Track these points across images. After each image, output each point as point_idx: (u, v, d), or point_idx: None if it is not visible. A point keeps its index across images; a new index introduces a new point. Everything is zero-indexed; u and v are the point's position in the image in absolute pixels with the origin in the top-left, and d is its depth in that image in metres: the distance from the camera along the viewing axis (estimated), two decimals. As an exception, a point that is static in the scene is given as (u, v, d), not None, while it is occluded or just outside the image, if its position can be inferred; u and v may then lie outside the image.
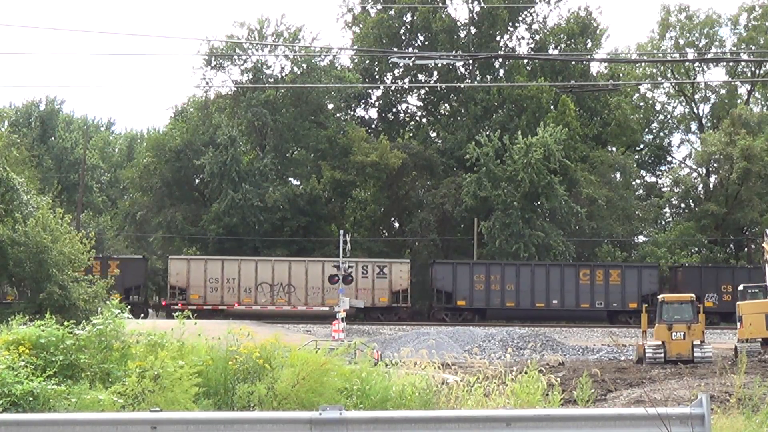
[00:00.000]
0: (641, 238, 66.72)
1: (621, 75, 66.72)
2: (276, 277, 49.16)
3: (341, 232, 44.88)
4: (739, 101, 69.76)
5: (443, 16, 63.61)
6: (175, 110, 66.10)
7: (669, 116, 74.96)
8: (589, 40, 65.80)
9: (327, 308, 47.63)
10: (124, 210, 65.08)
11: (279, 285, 49.07)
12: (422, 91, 67.95)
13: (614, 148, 68.24)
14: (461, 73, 64.91)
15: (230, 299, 48.82)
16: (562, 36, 65.57)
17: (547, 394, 12.44)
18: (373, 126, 67.93)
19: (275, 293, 49.05)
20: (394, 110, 69.17)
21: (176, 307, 45.52)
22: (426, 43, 64.00)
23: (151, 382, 10.03)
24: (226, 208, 56.09)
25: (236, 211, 56.11)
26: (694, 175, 66.89)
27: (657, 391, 18.75)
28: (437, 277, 49.86)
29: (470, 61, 59.80)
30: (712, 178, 63.81)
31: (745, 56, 67.64)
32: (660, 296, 32.90)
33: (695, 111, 73.01)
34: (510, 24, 65.22)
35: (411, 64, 52.02)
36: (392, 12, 64.61)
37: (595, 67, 67.93)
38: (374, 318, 48.71)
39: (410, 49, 61.77)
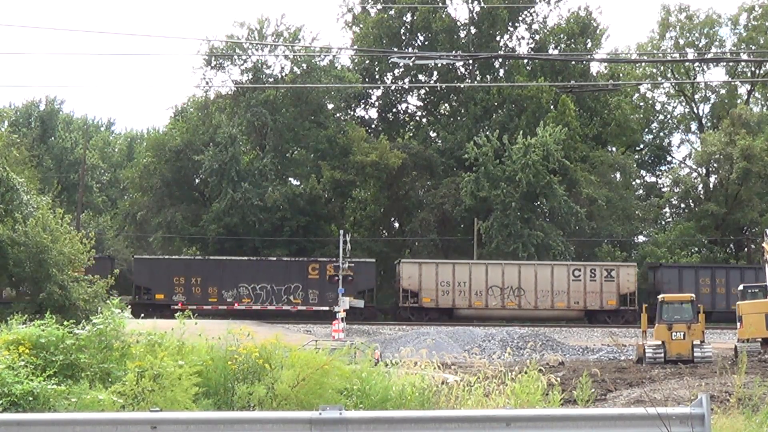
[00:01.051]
0: (641, 238, 66.75)
1: (621, 75, 66.72)
2: (506, 281, 49.75)
3: (341, 232, 44.89)
4: (739, 101, 69.78)
5: (443, 16, 63.60)
6: (175, 110, 66.13)
7: (669, 116, 75.01)
8: (589, 40, 65.79)
9: (557, 311, 49.30)
10: (124, 210, 65.07)
11: (509, 288, 49.65)
12: (422, 91, 67.94)
13: (614, 148, 68.26)
14: (461, 73, 64.92)
15: (461, 302, 49.42)
16: (562, 36, 65.58)
17: (547, 394, 12.44)
18: (373, 126, 67.94)
19: (505, 296, 49.58)
20: (394, 110, 69.17)
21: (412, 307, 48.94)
22: (426, 43, 64.00)
23: (151, 381, 10.03)
24: (226, 208, 56.09)
25: (236, 210, 56.11)
26: (694, 175, 66.90)
27: (657, 391, 18.75)
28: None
29: (470, 61, 59.81)
30: (712, 178, 63.82)
31: (745, 56, 67.67)
32: (660, 296, 32.90)
33: (695, 111, 73.04)
34: (510, 24, 65.22)
35: (411, 64, 51.91)
36: (392, 12, 64.61)
37: (595, 67, 68.02)
38: (601, 321, 49.21)
39: (410, 49, 61.76)
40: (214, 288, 49.70)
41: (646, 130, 73.13)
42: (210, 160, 56.26)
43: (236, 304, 49.15)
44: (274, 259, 52.44)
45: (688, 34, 70.59)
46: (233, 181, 56.47)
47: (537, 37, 65.91)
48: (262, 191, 56.82)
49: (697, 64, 67.95)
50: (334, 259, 47.91)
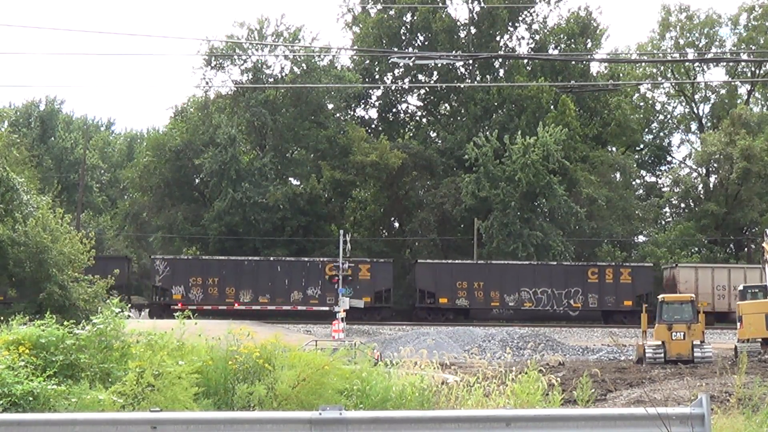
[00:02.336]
0: (641, 238, 66.76)
1: (621, 75, 66.73)
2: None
3: (341, 232, 44.89)
4: (739, 101, 69.81)
5: (443, 16, 63.59)
6: (175, 110, 66.11)
7: (669, 116, 75.04)
8: (589, 40, 65.78)
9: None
10: (124, 210, 65.06)
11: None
12: (422, 91, 67.93)
13: (614, 148, 68.26)
14: (461, 73, 64.90)
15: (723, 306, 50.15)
16: (562, 36, 65.56)
17: (547, 394, 12.44)
18: (373, 126, 67.93)
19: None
20: (394, 110, 69.16)
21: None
22: (426, 43, 64.00)
23: (151, 379, 10.03)
24: (227, 207, 56.11)
25: (237, 210, 56.14)
26: (694, 175, 66.92)
27: (657, 391, 18.75)
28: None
29: (470, 61, 59.80)
30: (712, 178, 63.82)
31: (745, 56, 67.68)
32: (660, 296, 32.91)
33: (695, 111, 73.06)
34: (510, 24, 65.21)
35: (411, 64, 51.92)
36: (392, 12, 64.60)
37: (595, 67, 68.00)
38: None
39: (410, 49, 61.76)
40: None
41: (646, 130, 73.14)
42: (210, 161, 56.26)
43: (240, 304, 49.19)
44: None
45: (688, 34, 70.60)
46: (233, 181, 56.48)
47: (537, 37, 65.90)
48: (262, 190, 56.84)
49: (697, 64, 68.00)
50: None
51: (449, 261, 53.07)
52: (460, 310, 50.06)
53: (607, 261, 54.52)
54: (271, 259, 51.94)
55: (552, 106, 60.95)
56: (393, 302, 51.20)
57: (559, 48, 65.38)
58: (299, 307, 49.63)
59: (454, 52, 56.69)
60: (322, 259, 51.40)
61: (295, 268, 50.30)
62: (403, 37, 64.94)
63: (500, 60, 64.03)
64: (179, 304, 45.30)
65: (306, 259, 51.99)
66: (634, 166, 66.87)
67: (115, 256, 56.86)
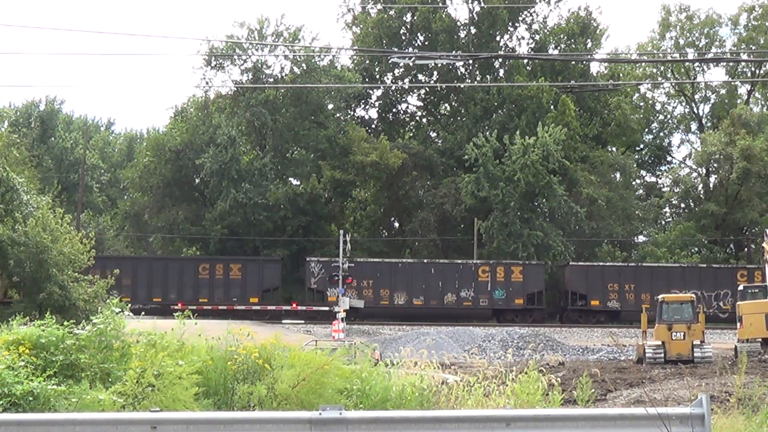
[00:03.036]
0: (641, 238, 66.76)
1: (621, 75, 66.73)
2: None
3: (341, 232, 44.89)
4: (739, 101, 69.80)
5: (443, 16, 63.59)
6: (175, 110, 66.13)
7: (669, 116, 75.05)
8: (589, 40, 65.77)
9: None
10: (124, 210, 65.08)
11: None
12: (422, 91, 67.93)
13: (614, 148, 68.25)
14: (461, 73, 64.91)
15: None
16: (562, 36, 65.56)
17: (547, 394, 12.44)
18: (373, 126, 67.93)
19: None
20: (394, 110, 69.17)
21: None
22: (426, 43, 63.99)
23: (152, 378, 10.03)
24: (229, 207, 56.15)
25: (238, 210, 56.17)
26: (694, 175, 66.92)
27: (657, 391, 18.75)
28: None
29: (470, 61, 59.80)
30: (712, 178, 63.82)
31: (745, 56, 67.69)
32: (660, 296, 32.90)
33: (695, 111, 73.06)
34: (510, 24, 65.21)
35: (411, 64, 51.90)
36: (392, 12, 64.59)
37: (595, 67, 68.02)
38: None
39: (410, 49, 61.73)
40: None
41: (646, 130, 73.14)
42: (210, 162, 56.26)
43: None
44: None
45: (688, 34, 70.60)
46: (234, 181, 56.51)
47: (537, 37, 65.90)
48: (262, 190, 56.87)
49: (697, 64, 68.00)
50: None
51: (600, 263, 53.25)
52: (611, 312, 50.37)
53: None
54: (425, 261, 52.21)
55: (552, 106, 60.95)
56: (545, 304, 51.82)
57: (559, 48, 65.38)
58: (452, 308, 49.91)
59: (454, 52, 56.68)
60: (475, 261, 52.06)
61: (448, 270, 50.50)
62: (403, 37, 64.94)
63: (500, 60, 64.03)
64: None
65: (459, 261, 52.21)
66: (634, 166, 66.86)
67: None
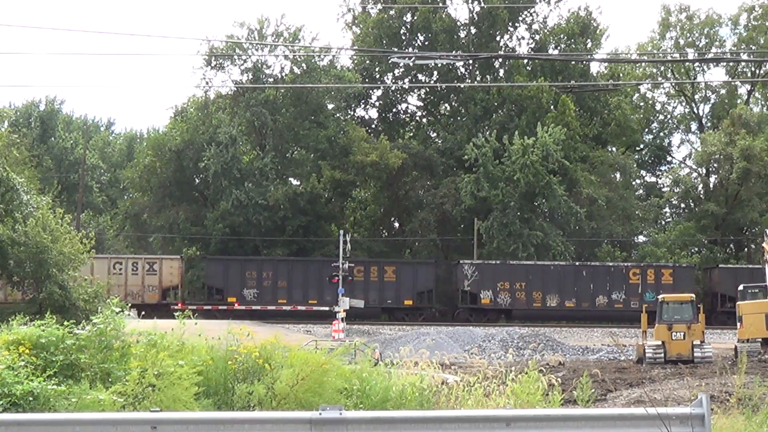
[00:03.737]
0: (641, 238, 66.76)
1: (621, 75, 66.72)
2: None
3: (341, 232, 44.89)
4: (739, 101, 69.80)
5: (443, 16, 63.58)
6: (175, 110, 66.12)
7: (669, 116, 75.04)
8: (589, 40, 65.75)
9: None
10: (124, 210, 65.08)
11: None
12: (422, 91, 67.92)
13: (614, 148, 68.24)
14: (461, 73, 64.90)
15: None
16: (562, 36, 65.53)
17: (547, 394, 12.45)
18: (373, 126, 67.91)
19: None
20: (394, 110, 69.15)
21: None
22: (426, 43, 63.98)
23: (153, 378, 10.03)
24: (231, 208, 56.19)
25: (239, 210, 56.22)
26: (694, 175, 66.92)
27: (657, 391, 18.75)
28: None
29: (470, 61, 59.78)
30: (712, 178, 63.82)
31: (745, 56, 67.67)
32: (660, 296, 32.91)
33: (695, 111, 73.06)
34: (510, 24, 65.18)
35: (411, 64, 51.94)
36: (392, 12, 64.57)
37: (595, 67, 67.98)
38: None
39: (410, 49, 61.72)
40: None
41: (646, 130, 73.13)
42: (213, 162, 56.26)
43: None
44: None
45: (688, 34, 70.60)
46: (236, 179, 56.54)
47: (537, 37, 65.88)
48: (263, 190, 56.89)
49: (697, 64, 67.99)
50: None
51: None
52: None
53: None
54: (577, 264, 52.34)
55: (552, 106, 60.94)
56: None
57: (559, 48, 65.37)
58: (605, 311, 50.03)
59: (454, 52, 56.64)
60: (626, 264, 52.24)
61: (599, 272, 50.60)
62: (403, 37, 64.93)
63: (500, 60, 63.98)
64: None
65: (611, 264, 52.25)
66: (634, 166, 66.84)
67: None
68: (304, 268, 50.57)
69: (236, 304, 48.54)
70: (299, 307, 49.60)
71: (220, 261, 51.53)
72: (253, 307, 48.51)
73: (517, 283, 49.87)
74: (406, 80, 66.52)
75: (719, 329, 46.20)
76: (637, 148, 72.30)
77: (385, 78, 66.59)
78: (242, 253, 54.82)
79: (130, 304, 45.52)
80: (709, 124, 70.41)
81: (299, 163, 62.84)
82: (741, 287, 35.10)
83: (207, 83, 62.03)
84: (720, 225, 61.32)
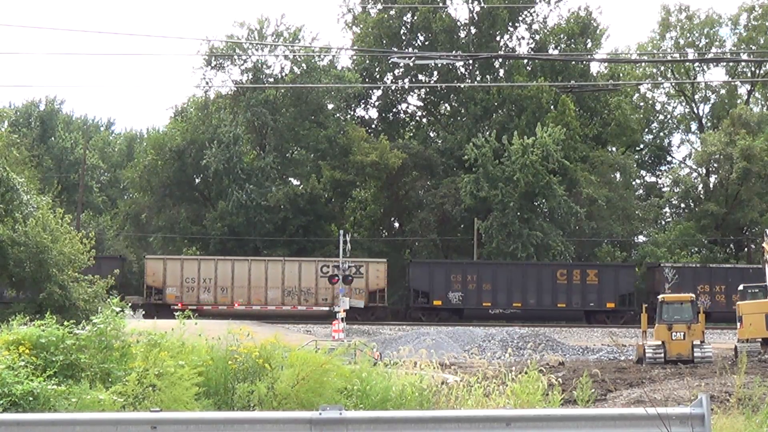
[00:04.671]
0: (641, 238, 66.75)
1: (621, 75, 66.71)
2: None
3: (341, 232, 44.88)
4: (739, 101, 69.80)
5: (443, 16, 63.57)
6: (175, 110, 66.12)
7: (669, 116, 75.03)
8: (589, 40, 65.77)
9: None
10: (124, 210, 65.08)
11: None
12: (422, 91, 67.93)
13: (614, 148, 68.25)
14: (461, 73, 64.90)
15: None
16: (562, 36, 65.56)
17: (547, 394, 12.44)
18: (373, 126, 67.92)
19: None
20: (394, 110, 69.15)
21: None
22: (426, 43, 63.99)
23: (154, 378, 10.03)
24: (232, 208, 56.18)
25: (240, 210, 56.22)
26: (694, 175, 66.91)
27: (657, 391, 18.76)
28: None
29: (470, 61, 59.78)
30: (712, 178, 63.82)
31: (745, 56, 67.68)
32: (660, 296, 32.91)
33: (695, 111, 73.05)
34: (510, 24, 65.19)
35: (411, 64, 51.98)
36: (392, 12, 64.59)
37: (595, 67, 67.98)
38: None
39: (410, 49, 61.72)
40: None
41: (646, 130, 73.12)
42: (215, 161, 56.25)
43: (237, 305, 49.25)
44: None
45: (688, 34, 70.60)
46: (239, 179, 56.55)
47: (537, 37, 65.89)
48: (265, 191, 56.90)
49: (697, 64, 67.99)
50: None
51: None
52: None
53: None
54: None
55: (552, 106, 60.96)
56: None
57: (559, 48, 65.37)
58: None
59: (454, 52, 56.64)
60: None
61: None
62: (403, 37, 64.93)
63: (500, 60, 64.00)
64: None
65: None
66: (634, 166, 66.84)
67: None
68: (522, 270, 50.80)
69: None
70: (503, 310, 50.08)
71: (426, 264, 52.05)
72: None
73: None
74: (406, 80, 66.52)
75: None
76: (637, 148, 72.31)
77: (385, 78, 66.58)
78: (242, 254, 54.79)
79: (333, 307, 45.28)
80: (709, 124, 70.41)
81: (299, 163, 62.85)
82: (741, 287, 35.10)
83: (207, 83, 62.10)
84: (720, 225, 61.33)
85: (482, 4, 63.55)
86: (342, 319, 38.83)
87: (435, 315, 49.30)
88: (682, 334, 29.41)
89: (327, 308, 48.12)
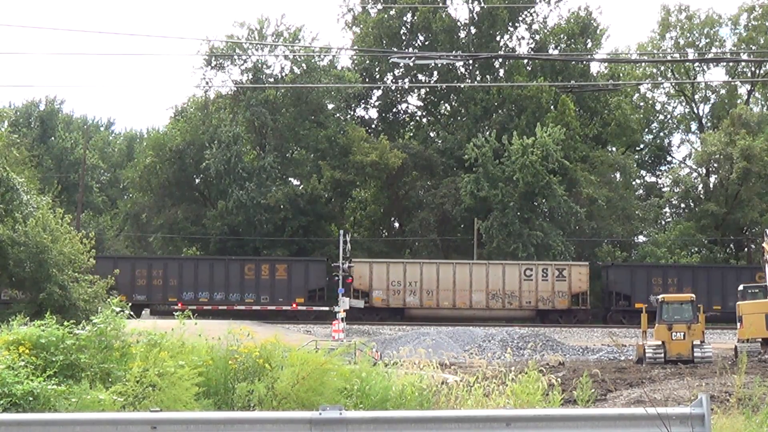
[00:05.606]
0: (641, 238, 66.76)
1: (621, 75, 66.72)
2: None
3: (341, 232, 44.87)
4: (739, 101, 69.79)
5: (443, 16, 63.58)
6: (175, 110, 66.13)
7: (669, 116, 75.04)
8: (589, 40, 65.78)
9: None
10: (124, 210, 65.06)
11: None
12: (422, 91, 67.94)
13: (614, 148, 68.27)
14: (461, 73, 64.90)
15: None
16: (562, 36, 65.57)
17: (547, 394, 12.45)
18: (373, 126, 67.93)
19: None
20: (394, 110, 69.15)
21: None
22: (426, 43, 63.99)
23: (156, 378, 10.03)
24: (232, 207, 56.17)
25: (240, 210, 56.21)
26: (694, 175, 66.91)
27: (657, 391, 18.76)
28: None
29: (470, 61, 59.79)
30: (712, 178, 63.81)
31: (745, 56, 67.66)
32: (660, 296, 32.90)
33: (695, 111, 73.05)
34: (510, 24, 65.20)
35: (411, 64, 51.92)
36: (392, 12, 64.59)
37: (595, 67, 68.00)
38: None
39: (410, 49, 61.72)
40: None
41: (646, 130, 73.13)
42: (215, 161, 56.24)
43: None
44: None
45: (688, 34, 70.59)
46: (240, 178, 56.55)
47: (537, 37, 65.90)
48: (266, 191, 56.92)
49: (697, 64, 67.98)
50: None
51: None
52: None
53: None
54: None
55: (552, 106, 60.96)
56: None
57: (559, 48, 65.38)
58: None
59: (454, 52, 56.66)
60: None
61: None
62: (403, 37, 64.94)
63: (500, 60, 64.01)
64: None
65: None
66: (634, 166, 66.86)
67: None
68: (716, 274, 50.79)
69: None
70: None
71: (627, 267, 52.28)
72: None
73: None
74: (406, 80, 66.53)
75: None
76: (637, 148, 72.32)
77: (385, 78, 66.59)
78: (242, 254, 54.79)
79: (536, 309, 47.92)
80: (709, 124, 70.40)
81: (299, 163, 62.86)
82: (741, 287, 35.10)
83: (207, 83, 62.11)
84: (720, 225, 61.33)
85: (482, 4, 63.55)
86: (342, 319, 38.82)
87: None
88: (682, 334, 29.40)
89: (531, 311, 49.26)
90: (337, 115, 63.90)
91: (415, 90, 67.63)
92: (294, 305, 49.49)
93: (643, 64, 71.06)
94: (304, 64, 61.02)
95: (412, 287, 49.47)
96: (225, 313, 46.01)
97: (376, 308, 49.03)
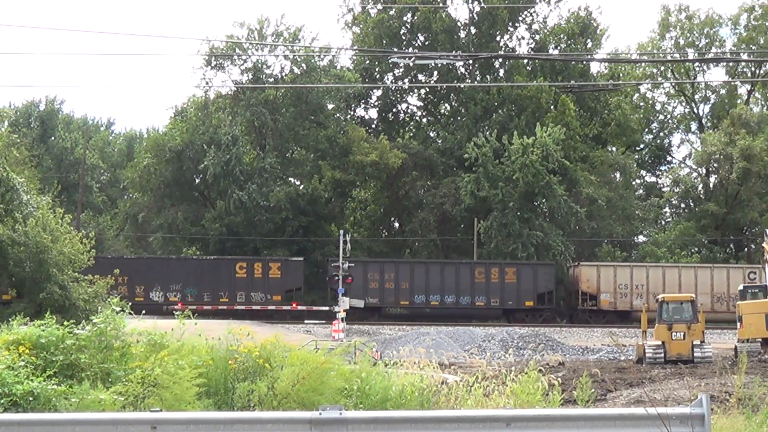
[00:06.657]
0: (641, 238, 66.78)
1: (621, 75, 66.74)
2: None
3: (341, 232, 44.87)
4: (739, 101, 69.82)
5: (443, 16, 63.56)
6: (175, 110, 66.09)
7: (669, 116, 75.07)
8: (589, 40, 65.77)
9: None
10: (124, 210, 65.02)
11: None
12: (422, 91, 67.92)
13: (614, 148, 68.28)
14: (461, 73, 64.89)
15: None
16: (562, 36, 65.56)
17: (547, 394, 12.45)
18: (373, 126, 67.91)
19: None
20: (394, 110, 69.14)
21: None
22: (426, 43, 63.98)
23: (158, 376, 10.04)
24: (232, 208, 56.14)
25: (241, 210, 56.21)
26: (694, 175, 66.94)
27: (657, 391, 18.75)
28: None
29: (470, 61, 59.78)
30: (712, 178, 63.84)
31: (745, 56, 67.69)
32: (660, 296, 32.89)
33: (695, 111, 73.07)
34: (510, 24, 65.18)
35: (411, 64, 51.96)
36: (392, 12, 64.57)
37: (595, 67, 68.00)
38: None
39: (410, 49, 61.71)
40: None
41: (646, 130, 73.16)
42: (214, 165, 56.22)
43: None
44: None
45: (688, 34, 70.63)
46: (239, 180, 56.53)
47: (537, 37, 65.88)
48: (267, 191, 56.91)
49: (697, 64, 68.02)
50: None
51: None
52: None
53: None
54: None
55: (552, 106, 60.96)
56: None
57: (559, 48, 65.37)
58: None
59: (454, 52, 56.65)
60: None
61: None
62: (403, 37, 64.93)
63: (500, 60, 64.00)
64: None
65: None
66: (634, 166, 66.88)
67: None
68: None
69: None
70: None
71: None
72: None
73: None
74: (406, 80, 66.51)
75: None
76: (637, 148, 72.35)
77: (385, 78, 66.59)
78: (242, 254, 54.78)
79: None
80: (709, 124, 70.42)
81: (299, 164, 62.84)
82: (741, 287, 35.10)
83: (207, 83, 62.08)
84: (720, 225, 61.35)
85: (482, 4, 63.53)
86: (342, 319, 38.81)
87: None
88: (682, 334, 29.39)
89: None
90: (337, 115, 63.86)
91: (415, 90, 67.61)
92: (294, 305, 49.51)
93: (643, 64, 71.07)
94: (303, 64, 61.01)
95: (638, 290, 49.76)
96: (210, 313, 45.71)
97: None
